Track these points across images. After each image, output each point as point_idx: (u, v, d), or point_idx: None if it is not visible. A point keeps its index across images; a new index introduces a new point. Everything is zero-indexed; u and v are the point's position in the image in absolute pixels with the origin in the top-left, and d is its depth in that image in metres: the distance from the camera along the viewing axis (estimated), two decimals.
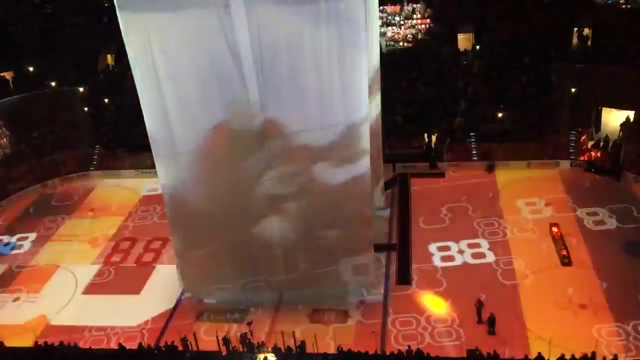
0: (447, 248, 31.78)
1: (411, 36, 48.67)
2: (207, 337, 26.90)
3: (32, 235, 36.99)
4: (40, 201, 40.98)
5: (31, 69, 49.54)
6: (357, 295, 28.83)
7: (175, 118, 25.73)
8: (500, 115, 40.29)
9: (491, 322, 25.86)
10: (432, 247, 31.97)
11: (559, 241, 30.95)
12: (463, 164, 39.47)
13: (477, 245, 31.68)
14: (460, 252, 31.42)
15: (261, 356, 24.78)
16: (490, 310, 26.25)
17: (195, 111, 25.45)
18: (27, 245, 36.13)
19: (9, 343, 27.20)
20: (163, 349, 25.90)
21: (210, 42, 23.94)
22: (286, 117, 25.27)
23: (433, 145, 40.49)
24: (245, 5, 23.18)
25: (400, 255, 31.70)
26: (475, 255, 31.01)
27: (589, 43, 42.24)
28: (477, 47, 45.34)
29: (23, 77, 48.96)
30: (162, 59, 24.52)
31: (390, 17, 49.58)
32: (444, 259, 31.10)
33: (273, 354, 24.76)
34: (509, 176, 37.88)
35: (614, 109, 39.30)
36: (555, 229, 31.73)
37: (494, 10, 46.70)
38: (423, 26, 49.24)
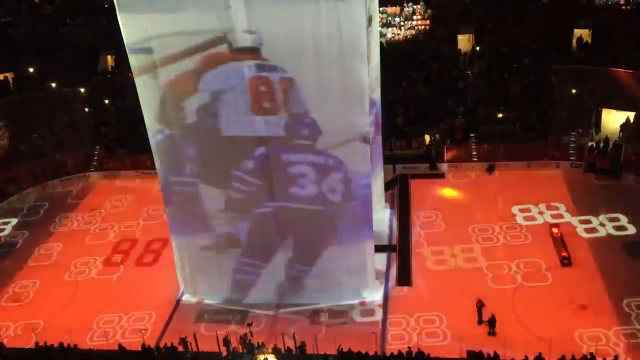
0: (443, 252, 31.74)
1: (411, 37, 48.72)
2: (207, 337, 26.85)
3: (32, 235, 37.01)
4: (40, 202, 40.96)
5: (31, 70, 49.61)
6: (357, 296, 28.82)
7: (175, 119, 25.77)
8: (500, 116, 40.32)
9: (492, 323, 25.86)
10: (430, 250, 31.96)
11: (559, 242, 30.95)
12: (463, 165, 39.47)
13: (471, 250, 31.62)
14: (452, 256, 31.36)
15: (261, 357, 24.80)
16: (490, 311, 26.26)
17: (195, 112, 25.49)
18: (27, 245, 36.10)
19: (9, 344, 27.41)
20: (163, 349, 25.91)
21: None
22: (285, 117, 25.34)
23: (433, 146, 40.48)
24: (245, 7, 23.25)
25: (400, 257, 31.69)
26: (468, 260, 30.94)
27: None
28: (477, 48, 45.40)
29: (23, 78, 49.03)
30: (163, 60, 24.59)
31: (390, 18, 49.64)
32: (439, 262, 31.09)
33: (273, 355, 24.77)
34: (509, 177, 37.89)
35: (613, 110, 39.33)
36: (555, 230, 31.74)
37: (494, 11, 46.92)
38: (423, 27, 49.31)
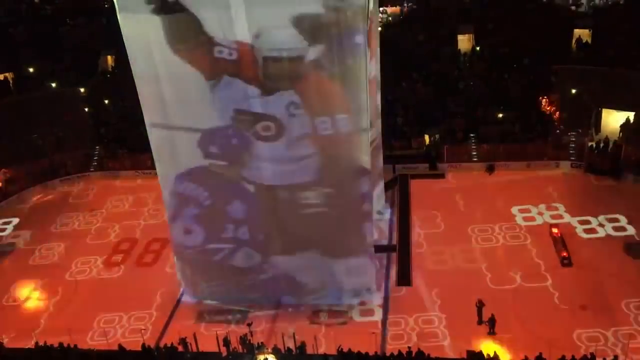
0: (443, 252, 31.76)
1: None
2: (207, 338, 26.89)
3: (33, 235, 37.04)
4: (41, 202, 41.00)
5: (31, 70, 49.62)
6: (358, 296, 28.81)
7: (175, 118, 25.84)
8: (500, 116, 40.33)
9: (492, 323, 25.88)
10: (430, 250, 31.98)
11: (558, 242, 30.97)
12: (463, 165, 39.48)
13: (471, 250, 31.62)
14: (452, 256, 31.34)
15: (261, 357, 24.84)
16: (490, 311, 26.28)
17: (194, 111, 25.54)
18: (28, 245, 36.14)
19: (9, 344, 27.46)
20: (163, 349, 25.94)
21: (210, 43, 24.00)
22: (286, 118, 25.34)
23: (433, 146, 40.47)
24: (245, 7, 23.25)
25: (400, 257, 31.72)
26: (468, 260, 30.96)
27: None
28: (477, 48, 45.42)
29: (23, 78, 49.05)
30: (162, 60, 24.62)
31: (390, 18, 49.68)
32: (439, 262, 31.10)
33: (273, 355, 24.79)
34: (509, 177, 37.89)
35: (613, 110, 39.34)
36: (555, 230, 31.75)
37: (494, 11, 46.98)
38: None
